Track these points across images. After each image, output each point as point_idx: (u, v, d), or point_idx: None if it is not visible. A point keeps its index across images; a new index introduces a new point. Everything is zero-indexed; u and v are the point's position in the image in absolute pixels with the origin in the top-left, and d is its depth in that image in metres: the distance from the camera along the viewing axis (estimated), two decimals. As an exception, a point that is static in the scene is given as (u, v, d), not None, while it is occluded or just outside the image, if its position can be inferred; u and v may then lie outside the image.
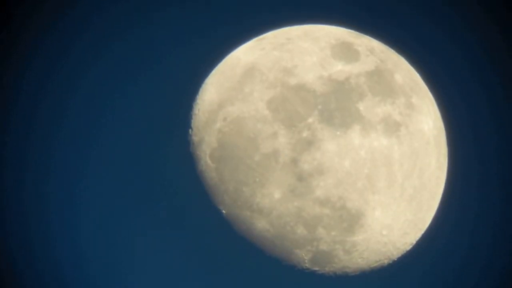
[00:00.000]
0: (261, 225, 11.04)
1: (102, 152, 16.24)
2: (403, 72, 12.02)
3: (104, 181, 16.04)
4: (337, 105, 10.92)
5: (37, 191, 15.85)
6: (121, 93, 16.29)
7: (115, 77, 16.39)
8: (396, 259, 11.94)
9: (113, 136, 16.15)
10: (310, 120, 10.81)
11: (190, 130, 11.97)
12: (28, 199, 15.78)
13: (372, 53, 11.86)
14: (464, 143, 14.34)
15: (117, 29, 16.38)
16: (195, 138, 11.80)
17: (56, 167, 16.02)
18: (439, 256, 14.92)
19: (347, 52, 11.67)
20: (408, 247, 11.96)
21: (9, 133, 15.74)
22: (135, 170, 15.63)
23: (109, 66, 16.39)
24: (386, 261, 11.80)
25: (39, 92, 15.93)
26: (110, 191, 15.88)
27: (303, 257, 11.21)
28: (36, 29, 15.73)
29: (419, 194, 11.40)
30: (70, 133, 16.27)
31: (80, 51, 16.22)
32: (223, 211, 11.29)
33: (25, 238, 15.74)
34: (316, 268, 11.37)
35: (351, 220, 10.90)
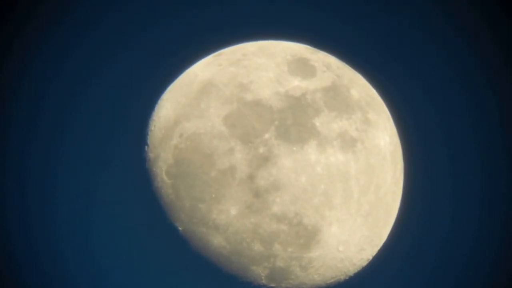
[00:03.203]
0: (217, 242, 10.97)
1: (60, 168, 16.07)
2: (359, 88, 12.07)
3: (59, 196, 15.87)
4: (293, 121, 10.92)
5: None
6: (77, 108, 16.15)
7: (72, 89, 16.26)
8: (352, 275, 11.95)
9: (69, 151, 15.99)
10: (266, 136, 10.79)
11: (146, 147, 11.88)
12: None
13: (328, 69, 11.90)
14: (420, 158, 14.45)
15: (73, 43, 16.25)
16: (151, 155, 11.71)
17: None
18: (395, 271, 14.99)
19: (303, 68, 11.69)
20: (364, 263, 11.98)
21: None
22: (90, 187, 15.48)
23: (66, 80, 16.25)
24: (342, 277, 11.80)
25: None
26: (65, 207, 15.71)
27: (260, 273, 11.16)
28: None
29: (375, 209, 11.43)
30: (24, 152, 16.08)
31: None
32: (179, 228, 11.20)
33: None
34: (273, 285, 11.32)
35: (308, 236, 10.88)
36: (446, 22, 16.03)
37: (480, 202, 15.65)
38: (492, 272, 15.44)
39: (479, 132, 15.83)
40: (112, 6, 16.33)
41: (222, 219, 10.83)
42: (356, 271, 11.95)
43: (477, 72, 15.75)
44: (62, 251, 15.69)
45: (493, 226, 15.50)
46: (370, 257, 12.04)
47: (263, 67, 11.52)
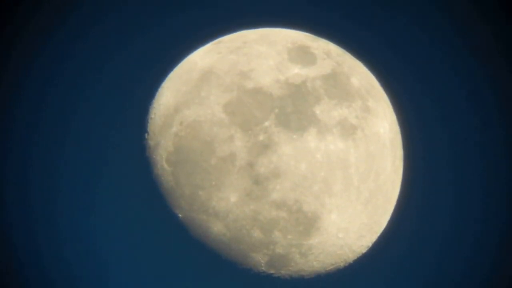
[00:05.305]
0: (217, 229, 11.00)
1: (59, 156, 16.08)
2: (360, 76, 12.07)
3: (60, 184, 15.88)
4: (293, 108, 10.93)
5: None
6: (78, 96, 16.15)
7: (72, 78, 16.26)
8: (352, 262, 11.98)
9: (69, 139, 16.00)
10: (266, 123, 10.80)
11: (146, 134, 11.89)
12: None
13: (328, 56, 11.90)
14: (419, 146, 14.48)
15: (74, 32, 16.24)
16: (151, 142, 11.72)
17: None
18: (394, 259, 15.03)
19: (303, 56, 11.69)
20: (364, 250, 12.01)
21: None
22: (90, 175, 15.50)
23: (66, 68, 16.25)
24: (342, 264, 11.83)
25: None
26: (65, 195, 15.73)
27: (260, 260, 11.19)
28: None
29: (374, 197, 11.45)
30: (25, 142, 16.08)
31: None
32: (179, 215, 11.22)
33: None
34: (272, 272, 11.36)
35: (307, 223, 10.90)
36: (445, 10, 16.02)
37: (480, 190, 15.69)
38: (491, 260, 15.49)
39: (479, 120, 15.85)
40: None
41: (222, 206, 10.85)
42: (355, 258, 11.97)
43: (477, 59, 15.75)
44: (61, 237, 15.73)
45: (492, 213, 15.53)
46: (370, 244, 12.07)
47: (263, 55, 11.52)
